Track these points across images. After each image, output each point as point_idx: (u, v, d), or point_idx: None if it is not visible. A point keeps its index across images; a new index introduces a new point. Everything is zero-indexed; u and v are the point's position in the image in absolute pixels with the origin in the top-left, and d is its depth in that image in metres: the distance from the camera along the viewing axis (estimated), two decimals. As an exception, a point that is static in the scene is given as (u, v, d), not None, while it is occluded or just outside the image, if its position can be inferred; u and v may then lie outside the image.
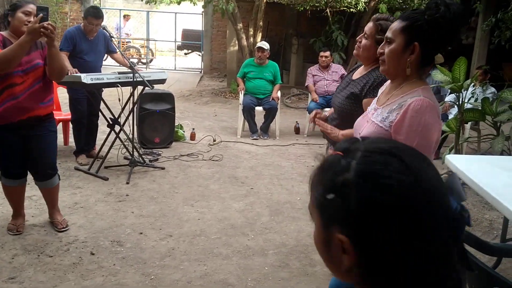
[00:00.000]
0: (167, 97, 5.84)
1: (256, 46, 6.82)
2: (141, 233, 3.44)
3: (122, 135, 4.88)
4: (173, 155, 5.48)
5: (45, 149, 3.25)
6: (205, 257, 3.16)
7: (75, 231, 3.40)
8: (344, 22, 9.49)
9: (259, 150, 6.04)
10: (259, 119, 6.82)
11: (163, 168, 4.96)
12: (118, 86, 4.50)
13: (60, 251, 3.10)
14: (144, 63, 13.72)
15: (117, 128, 4.78)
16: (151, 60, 14.33)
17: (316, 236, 0.76)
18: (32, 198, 3.88)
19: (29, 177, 3.37)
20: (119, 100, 4.51)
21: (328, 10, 9.22)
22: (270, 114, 6.67)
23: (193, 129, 6.44)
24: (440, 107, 1.84)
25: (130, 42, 14.78)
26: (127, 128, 4.88)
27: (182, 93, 10.00)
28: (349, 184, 0.68)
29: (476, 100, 5.42)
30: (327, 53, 6.87)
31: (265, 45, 6.68)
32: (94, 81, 4.30)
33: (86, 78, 4.20)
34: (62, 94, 5.69)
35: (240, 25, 9.68)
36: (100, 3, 16.15)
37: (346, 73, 2.76)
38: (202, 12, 13.00)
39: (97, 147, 5.09)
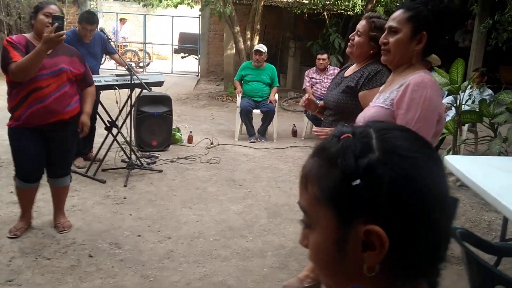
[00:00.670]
0: (165, 100, 5.83)
1: (254, 49, 6.82)
2: (139, 236, 3.42)
3: (119, 137, 4.87)
4: (170, 158, 5.46)
5: (65, 150, 3.31)
6: (204, 259, 3.14)
7: (73, 233, 3.38)
8: (341, 25, 9.52)
9: (257, 153, 6.03)
10: (257, 122, 6.82)
11: (160, 171, 4.94)
12: (116, 89, 4.49)
13: (58, 253, 3.08)
14: (141, 67, 13.72)
15: (114, 131, 4.77)
16: (148, 64, 14.32)
17: (322, 239, 0.66)
18: (29, 200, 3.85)
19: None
20: (117, 103, 4.50)
21: (325, 13, 9.26)
22: (268, 117, 6.68)
23: (191, 132, 6.43)
24: None
25: (127, 45, 14.78)
26: (124, 130, 4.87)
27: (179, 96, 9.99)
28: (377, 165, 0.60)
29: (473, 102, 5.44)
30: (325, 56, 6.89)
31: (263, 48, 6.69)
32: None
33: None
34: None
35: (237, 28, 9.69)
36: (96, 7, 16.17)
37: (336, 73, 2.77)
38: (199, 15, 13.02)
39: (94, 150, 5.08)
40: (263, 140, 6.66)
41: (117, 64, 12.83)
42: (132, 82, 4.50)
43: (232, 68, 11.09)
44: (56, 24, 2.85)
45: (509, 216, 2.15)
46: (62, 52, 3.18)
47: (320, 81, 6.91)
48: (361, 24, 2.41)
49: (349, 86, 2.41)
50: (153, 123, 5.68)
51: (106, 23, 14.86)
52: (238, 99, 6.78)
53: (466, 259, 1.75)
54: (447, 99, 5.67)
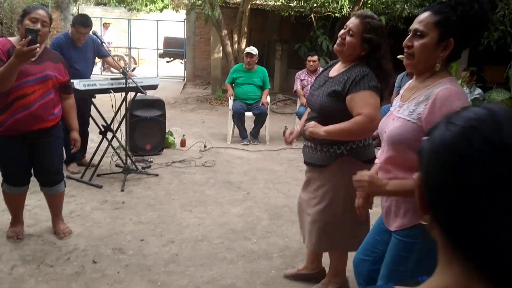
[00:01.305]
0: (158, 104, 5.78)
1: (245, 51, 6.82)
2: (142, 240, 3.37)
3: (113, 142, 4.80)
4: (165, 162, 5.41)
5: (50, 155, 3.19)
6: (210, 262, 3.11)
7: (74, 239, 3.31)
8: (329, 27, 9.58)
9: (251, 155, 6.02)
10: (248, 125, 6.81)
11: (156, 175, 4.88)
12: (111, 92, 4.43)
13: (61, 260, 3.01)
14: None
15: (109, 135, 4.70)
16: (134, 69, 14.19)
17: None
18: (26, 207, 3.74)
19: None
20: (112, 107, 4.43)
21: (312, 15, 9.31)
22: (260, 119, 6.67)
23: (183, 135, 6.38)
24: None
25: (111, 50, 14.62)
26: (118, 135, 4.80)
27: (167, 100, 9.89)
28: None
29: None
30: (315, 58, 6.92)
31: (254, 51, 6.68)
32: (87, 87, 4.23)
33: (79, 84, 4.12)
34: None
35: (224, 32, 9.69)
36: (78, 11, 15.97)
37: (320, 71, 2.69)
38: (184, 19, 12.97)
39: (89, 155, 5.00)
40: (255, 143, 6.65)
41: (102, 69, 12.71)
42: (127, 85, 4.44)
43: (219, 71, 11.07)
44: (30, 37, 2.74)
45: None
46: (47, 58, 3.09)
47: (311, 82, 6.86)
48: (354, 24, 2.29)
49: (335, 90, 2.34)
50: (146, 127, 5.62)
51: (89, 28, 14.66)
52: (230, 102, 6.76)
53: None
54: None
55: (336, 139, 2.38)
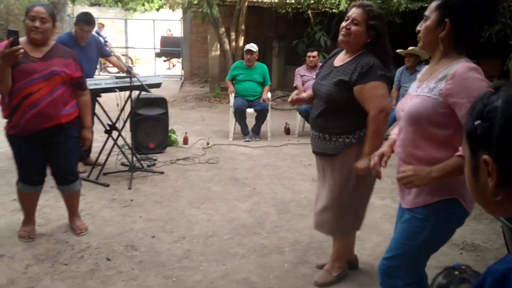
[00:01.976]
0: (160, 102, 5.79)
1: (245, 48, 6.82)
2: (153, 237, 3.39)
3: (118, 140, 4.81)
4: (169, 160, 5.42)
5: (66, 155, 3.21)
6: (222, 257, 3.13)
7: (86, 237, 3.32)
8: (326, 23, 9.61)
9: (254, 152, 6.04)
10: (250, 121, 6.82)
11: (162, 173, 4.90)
12: (116, 91, 4.44)
13: (75, 258, 3.03)
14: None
15: (114, 134, 4.71)
16: (131, 69, 14.16)
17: (467, 171, 0.85)
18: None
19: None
20: (118, 105, 4.44)
21: (309, 12, 9.33)
22: (261, 115, 6.69)
23: (186, 133, 6.39)
24: None
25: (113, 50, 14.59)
26: (123, 133, 4.81)
27: (166, 99, 9.89)
28: (495, 110, 0.78)
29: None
30: (315, 53, 6.94)
31: (254, 47, 6.70)
32: (92, 87, 4.22)
33: (85, 83, 4.12)
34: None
35: (222, 29, 9.70)
36: (73, 12, 15.90)
37: (325, 60, 2.76)
38: (181, 18, 12.95)
39: (94, 154, 5.00)
40: (257, 139, 6.67)
41: (100, 69, 12.66)
42: (132, 84, 4.44)
43: (217, 69, 11.07)
44: (11, 38, 2.75)
45: None
46: (56, 55, 3.09)
47: (311, 78, 6.93)
48: (357, 13, 2.36)
49: (342, 79, 2.40)
50: (149, 125, 5.63)
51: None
52: (231, 99, 6.77)
53: None
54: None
55: (351, 131, 2.48)
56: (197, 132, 7.00)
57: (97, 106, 4.69)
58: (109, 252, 3.13)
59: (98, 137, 5.31)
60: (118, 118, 4.72)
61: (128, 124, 4.85)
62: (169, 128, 6.02)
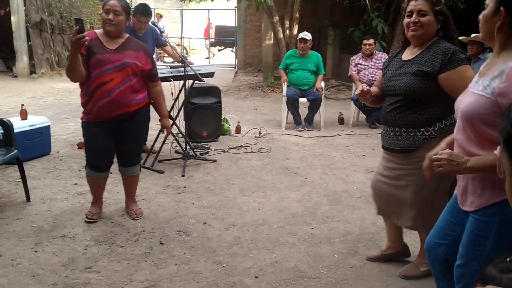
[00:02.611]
0: (214, 91, 5.87)
1: (299, 37, 6.75)
2: (205, 223, 3.46)
3: (172, 129, 4.92)
4: (222, 148, 5.49)
5: (134, 139, 3.39)
6: (272, 245, 3.14)
7: (141, 222, 3.45)
8: (383, 9, 9.31)
9: (306, 141, 5.99)
10: (302, 111, 6.77)
11: (214, 161, 4.98)
12: (171, 80, 4.54)
13: (130, 241, 3.15)
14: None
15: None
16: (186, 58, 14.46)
17: (508, 181, 0.82)
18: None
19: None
20: (172, 94, 4.54)
21: (366, -2, 9.07)
22: (315, 105, 6.61)
23: (238, 122, 6.44)
24: None
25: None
26: (177, 122, 4.93)
27: (220, 88, 10.02)
28: None
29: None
30: (371, 41, 6.75)
31: (308, 36, 6.61)
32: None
33: (141, 72, 4.24)
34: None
35: (276, 18, 9.65)
36: (132, 4, 16.40)
37: (388, 59, 2.69)
38: (235, 7, 13.01)
39: (149, 142, 5.16)
40: (310, 129, 6.61)
41: (156, 59, 13.02)
42: (186, 73, 4.53)
43: (270, 58, 11.06)
44: (77, 27, 2.90)
45: None
46: (129, 47, 3.25)
47: (366, 67, 6.78)
48: (421, 3, 2.31)
49: (421, 70, 2.34)
50: (203, 114, 5.72)
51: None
52: (284, 88, 6.74)
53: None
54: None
55: (431, 123, 2.42)
56: (250, 121, 7.05)
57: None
58: (163, 236, 3.23)
59: (153, 125, 5.47)
60: (172, 107, 4.83)
61: (182, 113, 4.95)
62: (222, 117, 6.09)
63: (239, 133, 6.27)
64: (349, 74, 6.96)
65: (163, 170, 4.57)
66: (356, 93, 2.62)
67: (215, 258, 2.95)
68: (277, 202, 3.92)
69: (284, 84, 6.76)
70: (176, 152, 5.15)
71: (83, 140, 3.46)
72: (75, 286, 2.61)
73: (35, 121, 4.94)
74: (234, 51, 13.99)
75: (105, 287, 2.61)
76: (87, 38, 2.95)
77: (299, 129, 6.55)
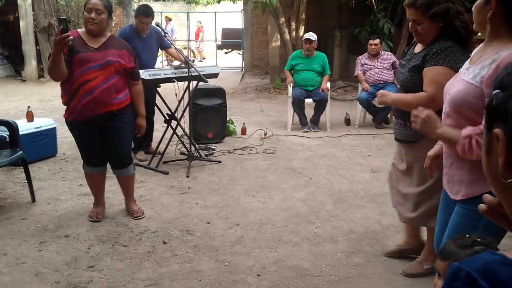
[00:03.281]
0: (219, 93, 5.87)
1: (304, 38, 6.74)
2: (208, 223, 3.46)
3: (177, 130, 4.94)
4: (227, 149, 5.49)
5: (120, 140, 3.38)
6: (275, 244, 3.14)
7: (145, 222, 3.46)
8: (390, 9, 9.27)
9: (312, 142, 5.97)
10: (308, 112, 6.75)
11: (219, 162, 4.98)
12: (175, 81, 4.56)
13: (133, 240, 3.16)
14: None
15: (173, 123, 4.84)
16: (193, 61, 14.52)
17: (482, 148, 0.77)
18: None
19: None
20: (176, 95, 4.56)
21: (372, -2, 9.04)
22: (320, 105, 6.58)
23: (244, 123, 6.44)
24: None
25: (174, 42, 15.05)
26: (182, 123, 4.94)
27: (227, 90, 9.93)
28: None
29: None
30: (377, 41, 6.72)
31: (313, 36, 6.60)
32: (152, 77, 4.38)
33: (145, 73, 4.27)
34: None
35: (282, 20, 9.64)
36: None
37: (408, 48, 2.74)
38: (242, 9, 13.04)
39: (154, 143, 5.18)
40: (316, 130, 6.58)
41: (166, 63, 13.08)
42: (190, 74, 4.54)
43: (277, 60, 11.04)
44: (61, 26, 2.92)
45: None
46: (112, 46, 3.26)
47: (372, 67, 6.75)
48: (412, 14, 2.34)
49: (415, 65, 2.42)
50: (208, 116, 5.72)
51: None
52: (290, 89, 6.73)
53: None
54: None
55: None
56: (256, 123, 7.04)
57: (157, 97, 4.85)
58: (166, 235, 3.23)
59: (158, 126, 5.50)
60: (177, 108, 4.85)
61: (186, 114, 4.96)
62: (228, 119, 6.10)
63: (244, 134, 6.26)
64: (355, 74, 6.93)
65: (168, 171, 4.58)
66: (377, 104, 2.69)
67: (218, 257, 2.95)
68: (281, 201, 3.91)
69: (290, 85, 6.74)
70: (181, 153, 5.16)
71: None
72: (78, 285, 2.62)
73: (41, 123, 4.99)
74: (241, 53, 14.01)
75: (107, 285, 2.62)
76: (71, 37, 2.97)
77: (305, 130, 6.53)
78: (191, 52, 14.73)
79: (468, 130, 1.61)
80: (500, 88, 0.69)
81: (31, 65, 11.29)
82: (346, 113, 7.20)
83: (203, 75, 4.53)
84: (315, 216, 3.62)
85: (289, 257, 2.97)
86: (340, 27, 10.90)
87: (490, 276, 0.61)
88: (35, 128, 4.83)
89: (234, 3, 11.69)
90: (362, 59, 6.87)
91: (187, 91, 4.78)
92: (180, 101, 4.78)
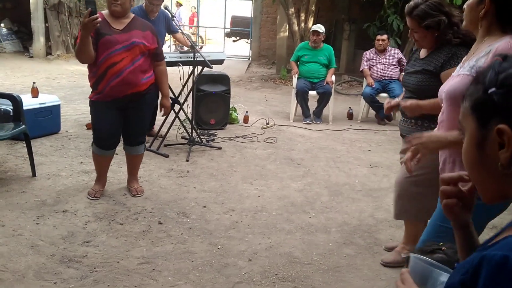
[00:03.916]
0: (223, 79, 5.89)
1: (311, 29, 6.74)
2: (204, 207, 3.50)
3: (180, 115, 4.98)
4: (228, 136, 5.53)
5: (141, 120, 3.48)
6: (268, 231, 3.18)
7: (142, 202, 3.51)
8: (400, 6, 9.21)
9: (313, 134, 6.00)
10: (312, 104, 6.77)
11: (220, 148, 5.01)
12: (180, 65, 4.58)
13: (130, 219, 3.21)
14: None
15: (176, 107, 4.87)
16: (201, 48, 14.49)
17: (468, 145, 0.81)
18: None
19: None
20: (181, 79, 4.59)
21: (383, -6, 8.99)
22: (324, 98, 6.60)
23: (247, 112, 6.47)
24: None
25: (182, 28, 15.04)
26: (185, 108, 4.98)
27: (232, 79, 9.94)
28: (511, 76, 0.74)
29: None
30: (384, 37, 6.71)
31: (321, 28, 6.59)
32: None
33: (150, 56, 4.29)
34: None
35: (291, 10, 9.62)
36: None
37: (412, 53, 2.82)
38: (252, -2, 13.01)
39: (156, 126, 5.22)
40: (318, 122, 6.61)
41: (174, 48, 13.06)
42: (195, 59, 4.56)
43: (284, 51, 11.03)
44: (89, 8, 2.96)
45: None
46: (135, 27, 3.30)
47: (379, 62, 6.74)
48: (409, 23, 2.49)
49: (426, 69, 2.52)
50: (212, 102, 5.75)
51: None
52: (294, 80, 6.74)
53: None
54: None
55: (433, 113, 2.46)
56: (259, 112, 7.07)
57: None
58: (162, 216, 3.28)
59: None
60: (180, 93, 4.87)
61: (189, 99, 4.99)
62: (231, 106, 6.12)
63: (246, 122, 6.29)
64: (361, 69, 6.93)
65: (168, 154, 4.63)
66: (385, 110, 2.72)
67: (211, 240, 3.00)
68: (277, 190, 3.96)
69: (295, 76, 6.75)
70: (183, 137, 5.20)
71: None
72: (72, 258, 2.67)
73: (46, 99, 5.03)
74: (249, 42, 13.98)
75: (102, 261, 2.67)
76: (99, 19, 3.01)
77: (307, 121, 6.55)
78: (199, 38, 14.70)
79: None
80: (495, 87, 0.74)
81: (39, 42, 11.32)
82: (350, 107, 7.21)
83: (208, 60, 4.56)
84: (310, 206, 3.66)
85: (281, 244, 3.01)
86: (349, 21, 10.86)
87: None
88: (39, 104, 4.87)
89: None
90: (369, 54, 6.86)
91: (192, 76, 4.81)
92: (184, 86, 4.81)
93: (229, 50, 14.36)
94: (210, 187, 3.92)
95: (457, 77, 1.75)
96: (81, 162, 4.25)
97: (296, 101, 6.68)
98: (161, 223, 3.17)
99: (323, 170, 4.57)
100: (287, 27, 10.44)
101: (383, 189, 4.10)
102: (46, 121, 4.93)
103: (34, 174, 3.83)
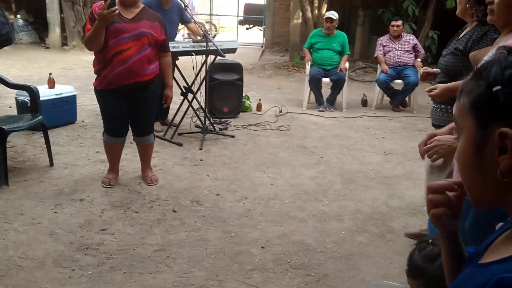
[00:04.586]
0: (236, 68, 5.89)
1: (325, 16, 6.68)
2: (217, 195, 3.54)
3: (193, 103, 5.00)
4: (241, 125, 5.55)
5: (145, 109, 3.51)
6: (281, 219, 3.21)
7: (157, 190, 3.56)
8: (415, -9, 9.07)
9: (326, 122, 5.98)
10: (325, 91, 6.73)
11: (233, 136, 5.04)
12: (193, 55, 4.59)
13: (145, 207, 3.27)
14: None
15: (189, 96, 4.90)
16: (214, 36, 14.47)
17: (464, 145, 0.73)
18: (114, 160, 4.08)
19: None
20: (193, 69, 4.61)
21: (398, -22, 8.85)
22: (337, 85, 6.56)
23: (260, 100, 6.47)
24: None
25: (196, 17, 15.01)
26: (198, 97, 5.00)
27: (245, 67, 9.98)
28: None
29: None
30: (399, 22, 6.62)
31: (334, 15, 6.52)
32: (171, 49, 4.40)
33: (163, 46, 4.31)
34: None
35: (305, -3, 9.52)
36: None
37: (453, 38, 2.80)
38: (265, -15, 12.89)
39: (170, 115, 5.26)
40: (331, 109, 6.58)
41: (188, 37, 13.05)
42: (208, 48, 4.57)
43: (298, 38, 10.94)
44: (109, 1, 2.99)
45: None
46: (144, 17, 3.34)
47: (393, 48, 6.66)
48: None
49: (457, 48, 2.46)
50: (225, 90, 5.76)
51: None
52: (307, 67, 6.70)
53: None
54: None
55: None
56: (272, 100, 7.06)
57: (175, 69, 4.89)
58: (176, 204, 3.33)
59: (175, 99, 5.55)
60: (193, 82, 4.90)
61: (203, 88, 5.02)
62: (244, 94, 6.13)
63: (259, 110, 6.30)
64: (375, 55, 6.86)
65: (182, 142, 4.67)
66: (420, 77, 2.71)
67: (225, 228, 3.04)
68: (290, 178, 3.97)
69: (308, 64, 6.72)
70: (196, 126, 5.23)
71: None
72: (89, 246, 2.74)
73: (62, 90, 5.10)
74: (262, 30, 13.90)
75: (118, 248, 2.74)
76: (117, 11, 3.06)
77: (321, 109, 6.53)
78: (213, 27, 14.66)
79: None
80: (500, 85, 0.66)
81: (55, 33, 11.42)
82: (364, 94, 7.15)
83: (221, 49, 4.56)
84: (323, 194, 3.67)
85: (294, 232, 3.04)
86: (363, 7, 10.71)
87: None
88: (56, 94, 4.94)
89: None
90: (383, 40, 6.78)
91: (205, 65, 4.82)
92: (197, 75, 4.83)
93: (242, 38, 14.30)
94: (223, 175, 3.95)
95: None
96: (97, 152, 4.32)
97: (309, 89, 6.65)
98: (175, 211, 3.22)
99: (336, 157, 4.57)
100: (301, 14, 10.35)
101: (397, 177, 4.09)
102: (63, 111, 5.01)
103: (51, 164, 3.91)
